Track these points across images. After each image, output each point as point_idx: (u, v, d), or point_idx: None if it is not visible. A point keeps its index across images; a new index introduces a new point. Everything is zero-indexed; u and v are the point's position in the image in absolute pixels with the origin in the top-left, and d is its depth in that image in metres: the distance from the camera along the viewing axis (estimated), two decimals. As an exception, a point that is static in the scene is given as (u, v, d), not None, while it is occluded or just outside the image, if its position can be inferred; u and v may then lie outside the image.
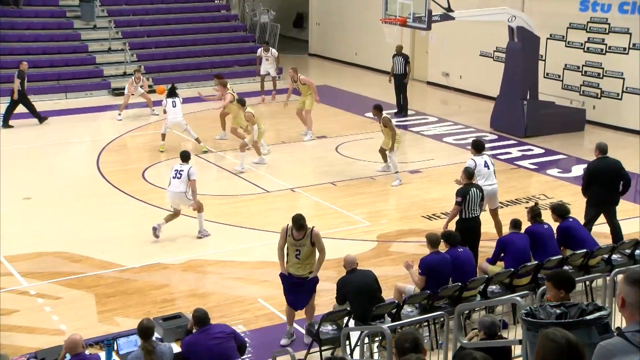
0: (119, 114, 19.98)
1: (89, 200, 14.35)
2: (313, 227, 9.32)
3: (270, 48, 22.71)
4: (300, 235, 9.20)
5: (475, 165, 11.77)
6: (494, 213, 12.20)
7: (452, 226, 10.94)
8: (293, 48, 29.96)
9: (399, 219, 13.63)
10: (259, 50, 22.68)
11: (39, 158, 16.92)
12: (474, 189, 10.98)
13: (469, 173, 11.22)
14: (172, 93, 17.20)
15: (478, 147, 12.19)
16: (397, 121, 20.22)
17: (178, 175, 12.33)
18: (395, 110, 20.46)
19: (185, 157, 12.62)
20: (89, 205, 14.09)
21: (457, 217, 11.00)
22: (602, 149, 11.84)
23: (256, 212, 13.78)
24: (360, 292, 8.96)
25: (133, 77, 20.31)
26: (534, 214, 10.59)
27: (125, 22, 25.33)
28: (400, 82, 20.52)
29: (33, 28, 23.83)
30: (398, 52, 20.52)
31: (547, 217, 10.97)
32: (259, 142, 16.28)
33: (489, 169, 12.00)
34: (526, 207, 13.80)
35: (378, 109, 15.31)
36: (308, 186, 15.08)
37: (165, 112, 17.17)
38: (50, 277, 11.12)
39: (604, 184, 11.61)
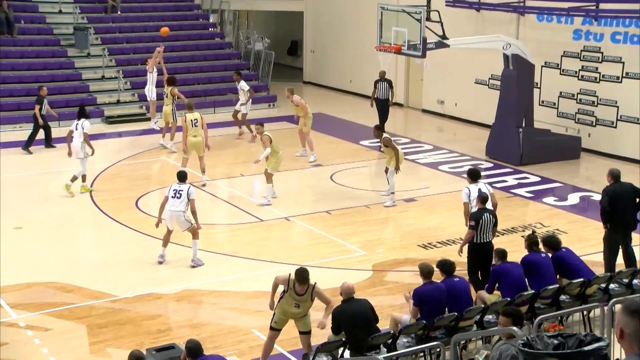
0: (155, 122, 20.63)
1: (81, 230, 14.32)
2: (315, 283, 9.22)
3: (241, 80, 21.17)
4: (302, 290, 9.13)
5: (470, 193, 11.87)
6: None
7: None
8: (287, 76, 30.09)
9: (394, 248, 13.61)
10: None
11: (31, 186, 16.89)
12: (487, 213, 11.04)
13: (482, 198, 11.30)
14: (80, 114, 16.50)
15: (473, 175, 12.29)
16: (370, 142, 20.33)
17: (177, 195, 12.43)
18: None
19: (182, 177, 12.72)
20: (81, 235, 14.06)
21: (470, 243, 11.07)
22: (615, 175, 11.86)
23: (250, 241, 13.75)
24: (356, 322, 8.93)
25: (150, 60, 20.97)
26: (531, 242, 10.60)
27: (118, 50, 25.43)
28: (385, 106, 20.89)
29: (27, 56, 23.92)
30: (381, 78, 20.88)
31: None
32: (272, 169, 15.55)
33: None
34: (522, 236, 13.86)
35: (378, 129, 15.58)
36: (303, 215, 15.08)
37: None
38: (40, 308, 11.04)
39: (624, 208, 11.61)
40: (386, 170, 15.55)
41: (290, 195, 16.42)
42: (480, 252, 10.81)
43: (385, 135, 15.38)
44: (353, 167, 18.46)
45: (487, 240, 11.09)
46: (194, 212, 12.43)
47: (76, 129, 16.09)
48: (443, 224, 14.64)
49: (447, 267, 9.84)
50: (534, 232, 11.43)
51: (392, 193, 15.45)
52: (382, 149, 15.62)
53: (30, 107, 22.09)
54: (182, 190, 12.41)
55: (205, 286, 11.95)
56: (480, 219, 10.99)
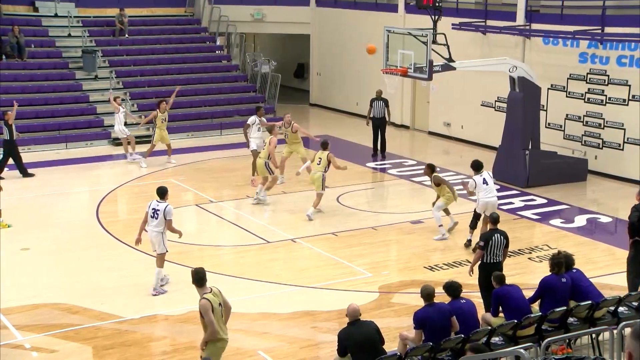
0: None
1: (87, 251, 14.30)
2: (200, 299, 8.76)
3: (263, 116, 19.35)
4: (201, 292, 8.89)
5: (475, 184, 13.67)
6: (485, 221, 12.94)
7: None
8: (294, 98, 30.20)
9: (400, 270, 13.57)
10: (252, 118, 18.93)
11: (38, 208, 16.92)
12: (498, 234, 11.01)
13: (493, 219, 11.30)
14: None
15: (477, 166, 14.02)
16: (376, 164, 20.33)
17: (155, 215, 12.10)
18: (372, 153, 21.39)
19: (161, 193, 12.22)
20: (88, 256, 14.04)
21: (480, 262, 11.03)
22: None
23: (256, 263, 13.72)
24: (362, 345, 8.87)
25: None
26: (554, 263, 10.38)
27: (126, 72, 25.58)
28: (382, 125, 21.21)
29: (36, 79, 24.08)
30: (378, 97, 21.29)
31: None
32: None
33: (487, 184, 13.85)
34: (529, 258, 13.81)
35: (431, 168, 15.11)
36: (309, 236, 15.06)
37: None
38: (46, 329, 11.01)
39: None
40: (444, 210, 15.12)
41: (296, 217, 16.39)
42: (491, 273, 10.73)
43: (436, 174, 15.07)
44: (360, 189, 18.45)
45: (498, 260, 11.06)
46: (172, 231, 12.19)
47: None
48: (450, 246, 14.60)
49: (452, 290, 9.77)
50: (559, 252, 11.01)
51: (440, 226, 14.95)
52: (432, 187, 15.26)
53: (39, 129, 22.32)
54: (159, 210, 12.05)
55: (211, 308, 11.87)
56: (491, 239, 10.97)
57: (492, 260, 11.02)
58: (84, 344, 10.63)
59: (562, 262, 10.40)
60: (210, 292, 8.78)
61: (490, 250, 10.99)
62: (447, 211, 15.16)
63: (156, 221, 12.12)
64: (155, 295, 12.31)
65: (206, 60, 27.54)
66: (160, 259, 12.36)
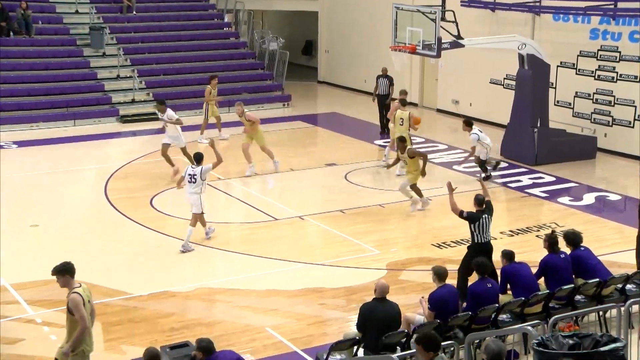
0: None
1: (96, 228, 14.35)
2: (69, 293, 8.16)
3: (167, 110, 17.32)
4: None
5: (478, 137, 15.19)
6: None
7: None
8: (302, 75, 30.09)
9: (408, 247, 13.57)
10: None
11: (47, 185, 16.96)
12: (486, 215, 10.97)
13: (478, 200, 11.21)
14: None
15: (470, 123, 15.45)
16: (384, 141, 20.25)
17: (192, 180, 12.95)
18: (380, 131, 21.32)
19: (198, 159, 13.16)
20: (96, 233, 14.08)
21: (471, 242, 10.99)
22: None
23: (264, 240, 13.74)
24: (383, 324, 8.80)
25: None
26: (551, 242, 10.44)
27: (134, 49, 25.50)
28: (384, 102, 21.19)
29: (44, 56, 24.03)
30: (384, 74, 21.20)
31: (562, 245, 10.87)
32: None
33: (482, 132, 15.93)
34: (537, 236, 13.78)
35: (403, 140, 15.42)
36: (317, 214, 15.05)
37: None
38: (56, 305, 11.04)
39: None
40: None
41: (304, 194, 16.40)
42: (479, 253, 10.64)
43: (409, 147, 15.39)
44: (367, 167, 18.42)
45: (487, 239, 10.99)
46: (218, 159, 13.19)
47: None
48: (457, 224, 14.51)
49: (482, 268, 9.80)
50: (553, 231, 11.29)
51: (412, 197, 15.25)
52: (402, 158, 15.32)
53: (47, 106, 22.34)
54: (195, 175, 12.95)
55: (219, 284, 11.94)
56: (478, 220, 10.89)
57: (481, 240, 10.93)
58: (93, 320, 10.66)
59: (557, 241, 10.43)
60: (79, 286, 8.21)
61: (479, 230, 10.89)
62: (418, 192, 15.13)
63: (194, 184, 12.90)
64: (183, 252, 12.86)
65: (214, 37, 27.43)
66: (195, 219, 13.08)
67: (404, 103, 17.69)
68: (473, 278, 10.17)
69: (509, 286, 10.16)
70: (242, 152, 17.51)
